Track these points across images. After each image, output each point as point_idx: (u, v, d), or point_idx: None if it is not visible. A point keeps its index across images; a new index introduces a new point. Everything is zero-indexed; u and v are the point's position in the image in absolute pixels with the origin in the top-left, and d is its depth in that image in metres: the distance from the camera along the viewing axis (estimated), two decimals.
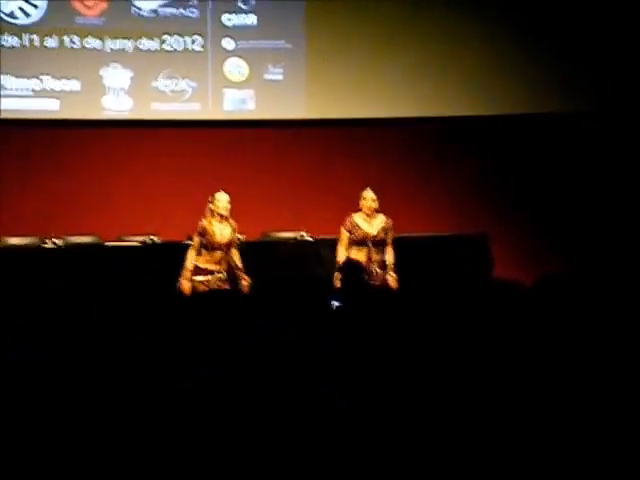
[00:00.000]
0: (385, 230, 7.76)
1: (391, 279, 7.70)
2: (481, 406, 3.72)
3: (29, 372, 3.93)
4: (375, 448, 3.53)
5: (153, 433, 3.55)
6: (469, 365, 4.02)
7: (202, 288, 7.43)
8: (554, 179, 10.53)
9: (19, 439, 3.51)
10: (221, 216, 7.51)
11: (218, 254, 7.50)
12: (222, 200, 7.51)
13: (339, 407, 3.67)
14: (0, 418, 3.60)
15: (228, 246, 7.53)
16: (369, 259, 7.70)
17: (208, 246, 7.49)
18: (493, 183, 10.44)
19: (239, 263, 7.58)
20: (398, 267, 7.79)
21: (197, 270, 7.50)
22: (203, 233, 7.47)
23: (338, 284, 6.96)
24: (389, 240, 7.78)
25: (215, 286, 7.45)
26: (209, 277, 7.47)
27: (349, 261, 7.61)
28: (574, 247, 10.03)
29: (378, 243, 7.75)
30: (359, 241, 7.72)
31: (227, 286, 7.51)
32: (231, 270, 7.56)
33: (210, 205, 7.52)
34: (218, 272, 7.50)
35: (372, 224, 7.76)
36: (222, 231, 7.51)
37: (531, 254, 9.86)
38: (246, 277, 7.56)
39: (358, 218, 7.78)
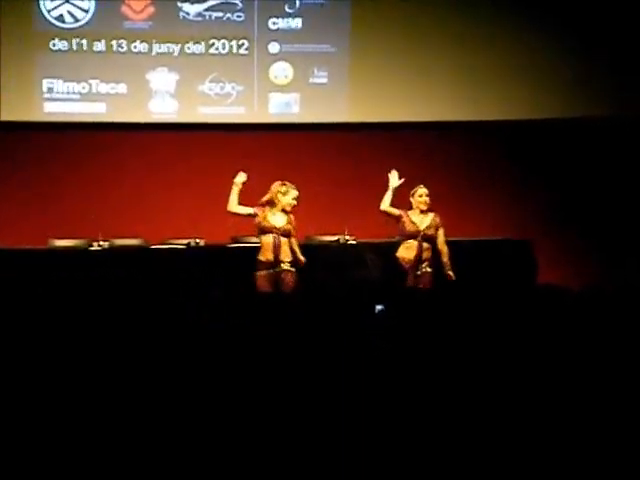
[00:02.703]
0: (435, 226, 7.83)
1: (449, 275, 7.83)
2: (526, 412, 3.71)
3: (71, 373, 3.98)
4: (418, 453, 3.53)
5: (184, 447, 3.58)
6: (512, 370, 4.01)
7: (265, 284, 7.48)
8: (603, 185, 10.43)
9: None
10: (284, 211, 7.61)
11: (270, 239, 7.55)
12: (292, 194, 7.65)
13: (381, 410, 3.67)
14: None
15: (283, 234, 7.58)
16: (418, 256, 7.78)
17: (262, 230, 7.56)
18: (539, 188, 10.38)
19: (296, 249, 7.66)
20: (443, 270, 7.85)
21: (259, 264, 7.56)
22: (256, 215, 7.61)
23: None
24: (441, 239, 7.85)
25: (278, 279, 7.49)
26: (272, 270, 7.52)
27: (395, 263, 7.72)
28: (620, 254, 9.94)
29: (428, 239, 7.82)
30: (409, 236, 7.79)
31: (291, 277, 7.57)
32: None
33: (279, 195, 7.60)
34: (281, 262, 7.55)
35: (423, 220, 7.85)
36: (276, 218, 7.60)
37: (577, 261, 9.79)
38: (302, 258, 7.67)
39: (412, 214, 7.87)
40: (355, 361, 4.03)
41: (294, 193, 7.66)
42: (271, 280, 7.52)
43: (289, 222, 7.63)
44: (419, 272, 7.80)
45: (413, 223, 7.88)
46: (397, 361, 4.08)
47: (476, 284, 8.19)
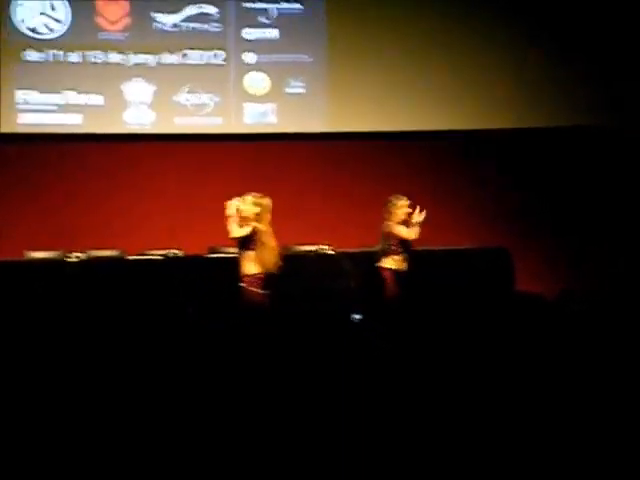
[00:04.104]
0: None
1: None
2: (502, 419, 3.72)
3: (47, 384, 3.96)
4: (394, 463, 3.53)
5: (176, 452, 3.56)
6: (489, 378, 4.02)
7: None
8: (580, 193, 10.48)
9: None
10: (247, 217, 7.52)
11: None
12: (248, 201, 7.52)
13: (358, 420, 3.67)
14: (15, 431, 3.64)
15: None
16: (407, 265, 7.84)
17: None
18: (515, 197, 10.41)
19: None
20: (419, 280, 7.87)
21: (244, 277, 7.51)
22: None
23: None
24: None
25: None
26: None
27: (374, 274, 7.72)
28: (595, 262, 9.98)
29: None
30: (402, 247, 7.84)
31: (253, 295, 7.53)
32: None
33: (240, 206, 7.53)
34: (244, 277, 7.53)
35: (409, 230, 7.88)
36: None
37: (552, 269, 9.83)
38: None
39: (398, 226, 7.88)
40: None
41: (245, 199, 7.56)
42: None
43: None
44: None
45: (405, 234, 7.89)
46: (372, 370, 4.09)
47: (454, 293, 8.21)
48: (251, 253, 7.37)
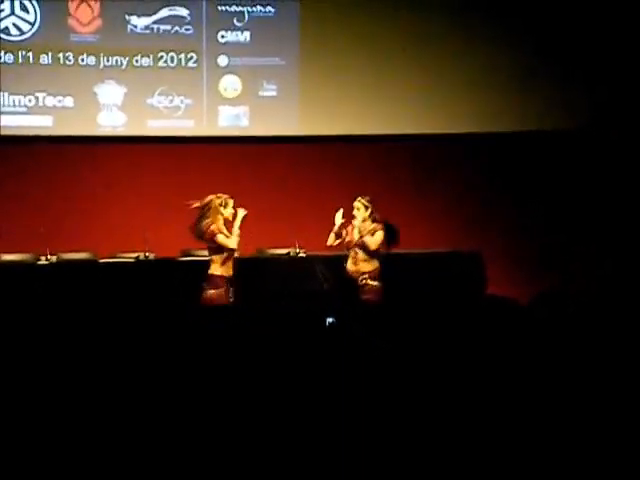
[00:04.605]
0: (366, 236, 7.80)
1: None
2: (475, 423, 3.74)
3: (23, 390, 3.94)
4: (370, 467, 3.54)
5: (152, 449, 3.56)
6: (462, 383, 4.03)
7: (212, 299, 7.43)
8: (552, 197, 10.54)
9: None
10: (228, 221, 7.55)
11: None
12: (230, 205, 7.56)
13: (333, 424, 3.68)
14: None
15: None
16: (357, 267, 7.77)
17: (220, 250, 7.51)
18: (488, 200, 10.46)
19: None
20: (392, 283, 7.85)
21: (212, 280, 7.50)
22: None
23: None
24: (369, 239, 7.80)
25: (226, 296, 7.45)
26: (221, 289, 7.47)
27: (343, 277, 7.69)
28: (569, 265, 10.05)
29: (366, 251, 7.79)
30: (347, 247, 7.83)
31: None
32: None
33: (221, 209, 7.53)
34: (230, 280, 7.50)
35: (359, 231, 7.82)
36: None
37: (525, 273, 9.88)
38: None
39: (354, 226, 7.88)
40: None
41: (232, 202, 7.60)
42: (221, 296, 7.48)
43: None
44: (362, 284, 7.76)
45: (349, 234, 7.87)
46: (346, 373, 4.09)
47: (425, 296, 8.23)
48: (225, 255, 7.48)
